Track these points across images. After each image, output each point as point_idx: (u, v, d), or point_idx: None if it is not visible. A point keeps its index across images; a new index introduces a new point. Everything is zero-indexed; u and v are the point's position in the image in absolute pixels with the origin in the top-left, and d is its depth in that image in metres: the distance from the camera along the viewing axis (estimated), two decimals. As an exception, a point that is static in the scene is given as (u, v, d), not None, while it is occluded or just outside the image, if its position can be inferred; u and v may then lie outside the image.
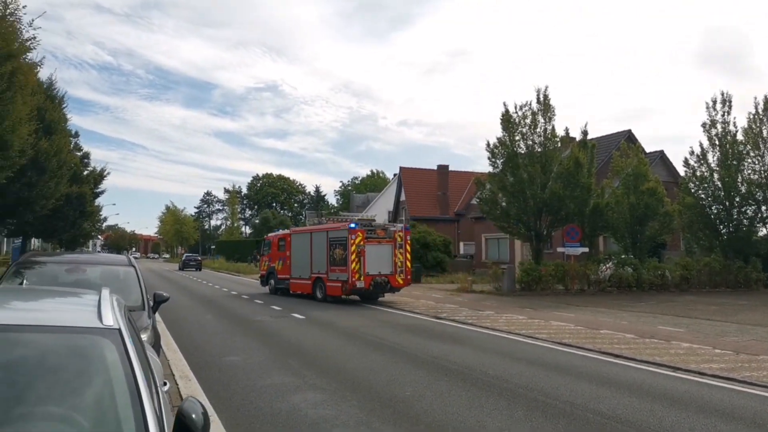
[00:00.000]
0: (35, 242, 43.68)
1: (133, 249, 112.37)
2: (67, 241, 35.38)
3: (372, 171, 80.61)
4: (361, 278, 12.72)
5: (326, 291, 13.30)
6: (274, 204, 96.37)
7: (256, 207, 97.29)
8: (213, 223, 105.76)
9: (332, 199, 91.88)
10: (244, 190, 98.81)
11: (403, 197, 33.92)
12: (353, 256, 12.64)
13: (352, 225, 12.90)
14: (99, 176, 32.97)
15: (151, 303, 5.45)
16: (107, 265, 5.67)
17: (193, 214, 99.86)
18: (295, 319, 10.78)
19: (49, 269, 5.41)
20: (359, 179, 77.87)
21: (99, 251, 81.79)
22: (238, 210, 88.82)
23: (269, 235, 16.86)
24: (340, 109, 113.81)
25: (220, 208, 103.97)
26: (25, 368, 1.94)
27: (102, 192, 34.28)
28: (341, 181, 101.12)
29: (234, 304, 13.85)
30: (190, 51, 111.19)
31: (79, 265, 5.43)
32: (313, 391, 5.17)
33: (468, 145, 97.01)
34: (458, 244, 29.97)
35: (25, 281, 4.06)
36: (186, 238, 71.37)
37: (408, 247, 13.18)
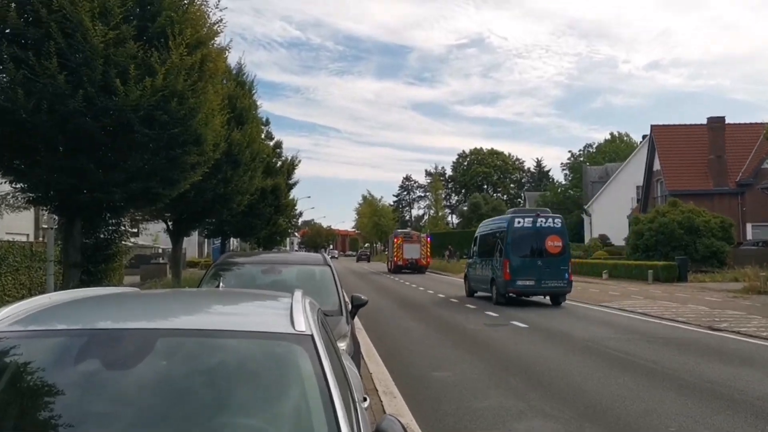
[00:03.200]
0: (233, 242, 55.23)
1: (330, 246, 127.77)
2: (264, 239, 42.39)
3: (611, 134, 72.26)
4: (401, 261, 39.34)
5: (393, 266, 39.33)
6: (485, 186, 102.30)
7: (463, 191, 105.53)
8: (414, 212, 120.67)
9: (558, 175, 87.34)
10: (449, 172, 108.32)
11: (656, 166, 33.63)
12: (395, 249, 38.09)
13: (395, 234, 34.15)
14: (291, 166, 39.36)
15: (349, 307, 6.19)
16: (302, 264, 6.82)
17: (392, 203, 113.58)
18: (515, 327, 12.01)
19: (246, 270, 6.63)
20: (594, 146, 73.59)
21: (296, 249, 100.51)
22: (443, 196, 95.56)
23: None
24: (564, 58, 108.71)
25: (422, 194, 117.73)
26: (217, 375, 2.29)
27: (295, 183, 40.22)
28: (569, 152, 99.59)
29: (440, 308, 16.48)
30: (380, 11, 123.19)
31: (274, 266, 6.56)
32: (542, 419, 5.37)
33: (753, 86, 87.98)
34: (743, 226, 29.12)
35: (221, 283, 4.91)
36: (385, 231, 79.30)
37: (428, 246, 40.79)
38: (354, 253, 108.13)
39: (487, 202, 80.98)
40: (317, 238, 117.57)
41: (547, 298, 18.30)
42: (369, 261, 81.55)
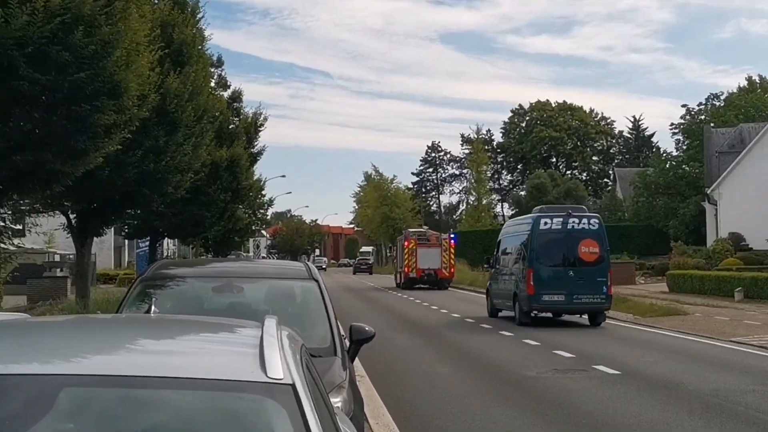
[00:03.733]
0: (169, 245, 55.14)
1: (315, 252, 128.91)
2: (216, 240, 43.33)
3: (749, 79, 69.62)
4: (414, 270, 45.43)
5: (401, 279, 46.35)
6: (554, 159, 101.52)
7: (520, 167, 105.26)
8: (445, 199, 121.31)
9: (666, 142, 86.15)
10: (497, 137, 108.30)
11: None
12: (406, 255, 45.92)
13: (405, 234, 45.65)
14: (255, 128, 39.88)
15: (347, 343, 6.42)
16: (275, 279, 7.01)
17: (410, 186, 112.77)
18: (600, 375, 12.23)
19: (189, 288, 6.82)
20: (722, 98, 71.99)
21: (264, 256, 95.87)
22: (488, 174, 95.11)
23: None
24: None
25: (456, 172, 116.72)
26: None
27: (261, 153, 41.49)
28: (684, 107, 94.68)
29: (479, 341, 17.64)
30: None
31: (232, 281, 6.71)
32: None
33: None
34: None
35: (153, 307, 5.06)
36: (399, 227, 79.71)
37: (452, 251, 46.49)
38: (351, 262, 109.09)
39: (557, 183, 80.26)
40: (296, 239, 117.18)
41: (584, 317, 21.02)
42: (371, 272, 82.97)
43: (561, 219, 21.99)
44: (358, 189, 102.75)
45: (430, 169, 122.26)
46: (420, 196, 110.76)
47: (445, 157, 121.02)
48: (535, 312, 21.63)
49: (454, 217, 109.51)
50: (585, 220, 22.09)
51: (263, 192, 48.20)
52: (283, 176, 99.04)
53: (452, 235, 50.35)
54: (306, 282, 6.70)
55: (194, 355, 2.84)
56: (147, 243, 35.06)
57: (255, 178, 41.65)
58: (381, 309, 28.57)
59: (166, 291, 6.66)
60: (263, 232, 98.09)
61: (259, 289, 6.85)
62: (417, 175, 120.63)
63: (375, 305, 30.96)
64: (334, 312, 6.35)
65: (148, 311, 5.17)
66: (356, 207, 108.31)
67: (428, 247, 46.58)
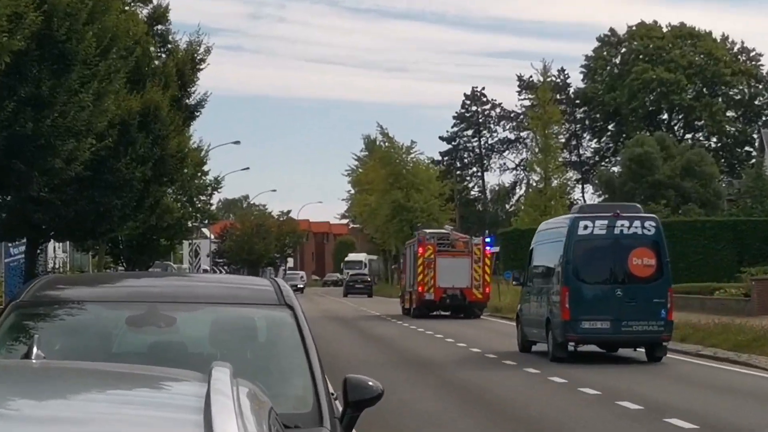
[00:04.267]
0: (57, 251, 54.77)
1: (289, 262, 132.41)
2: (132, 245, 44.87)
3: None
4: (430, 290, 48.73)
5: (411, 304, 51.09)
6: (665, 113, 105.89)
7: (611, 127, 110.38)
8: (491, 179, 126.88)
9: None
10: (576, 81, 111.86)
11: None
12: (420, 269, 48.97)
13: (420, 239, 50.85)
14: (192, 65, 38.92)
15: (339, 406, 6.43)
16: (226, 305, 7.13)
17: (438, 159, 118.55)
18: None
19: (91, 319, 6.93)
20: None
21: (206, 270, 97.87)
22: (560, 139, 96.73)
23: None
24: None
25: (510, 136, 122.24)
26: None
27: (200, 105, 40.87)
28: None
29: (540, 398, 18.88)
30: None
31: (157, 307, 6.78)
32: None
33: None
34: None
35: (35, 350, 4.96)
36: (417, 223, 79.24)
37: (488, 261, 50.28)
38: (343, 278, 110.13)
39: (671, 152, 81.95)
40: (257, 243, 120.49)
41: (639, 350, 24.52)
42: (371, 294, 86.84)
43: (606, 222, 24.30)
44: (355, 163, 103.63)
45: (469, 132, 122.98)
46: (453, 175, 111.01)
47: (492, 113, 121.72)
48: (572, 344, 24.33)
49: (507, 207, 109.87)
50: (638, 223, 24.31)
51: (205, 167, 48.45)
52: (237, 142, 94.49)
53: (488, 240, 52.86)
54: (274, 310, 6.76)
55: (103, 426, 2.87)
56: (22, 248, 35.09)
57: (192, 144, 42.14)
58: (388, 350, 29.29)
59: (53, 324, 6.71)
60: (205, 230, 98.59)
61: (201, 322, 6.97)
62: (448, 140, 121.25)
63: (379, 345, 31.69)
64: (318, 357, 6.37)
65: (27, 356, 5.07)
66: (352, 191, 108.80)
67: (452, 256, 49.18)
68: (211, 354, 6.33)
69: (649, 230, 24.23)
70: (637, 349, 24.73)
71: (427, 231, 54.39)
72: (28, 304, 6.77)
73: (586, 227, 24.13)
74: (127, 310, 6.80)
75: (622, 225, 24.02)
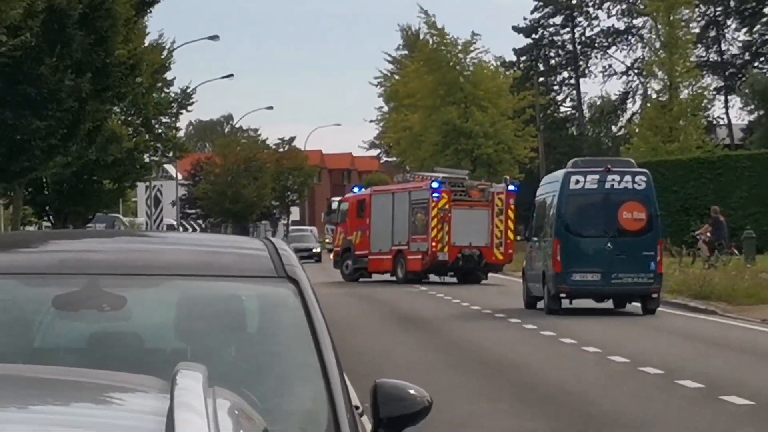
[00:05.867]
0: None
1: (293, 214, 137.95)
2: (62, 190, 46.13)
3: None
4: (445, 249, 59.44)
5: (406, 267, 60.91)
6: None
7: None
8: (591, 90, 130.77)
9: None
10: None
11: None
12: (434, 222, 59.59)
13: (435, 183, 60.38)
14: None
15: (367, 425, 6.57)
16: (197, 278, 7.16)
17: (511, 62, 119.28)
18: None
19: (3, 297, 7.01)
20: None
21: (170, 225, 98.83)
22: (693, 25, 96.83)
23: (346, 196, 66.63)
24: None
25: (618, 25, 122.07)
26: None
27: None
28: None
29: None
30: None
31: (98, 282, 6.84)
32: None
33: None
34: None
35: None
36: (473, 152, 78.74)
37: (511, 215, 61.00)
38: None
39: None
40: (246, 185, 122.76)
41: (634, 304, 34.54)
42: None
43: (597, 176, 35.03)
44: (390, 66, 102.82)
45: (557, 20, 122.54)
46: (533, 84, 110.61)
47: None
48: (563, 294, 34.59)
49: (614, 129, 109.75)
50: (629, 178, 34.54)
51: (168, 75, 48.65)
52: (214, 38, 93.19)
53: (511, 187, 61.22)
54: (270, 285, 6.83)
55: None
56: None
57: (147, 40, 43.48)
58: (435, 340, 30.60)
59: None
60: (169, 167, 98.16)
61: (163, 303, 7.04)
62: (526, 33, 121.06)
63: (421, 333, 32.94)
64: (335, 354, 6.32)
65: None
66: (385, 109, 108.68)
67: (469, 207, 59.12)
68: (178, 350, 6.41)
69: (639, 185, 34.56)
70: (631, 303, 34.55)
71: (440, 172, 63.53)
72: None
73: (577, 182, 34.65)
74: (56, 286, 6.76)
75: (613, 179, 34.44)
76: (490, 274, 59.35)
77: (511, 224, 59.20)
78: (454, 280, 58.65)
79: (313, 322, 6.38)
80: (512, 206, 59.36)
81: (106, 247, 7.94)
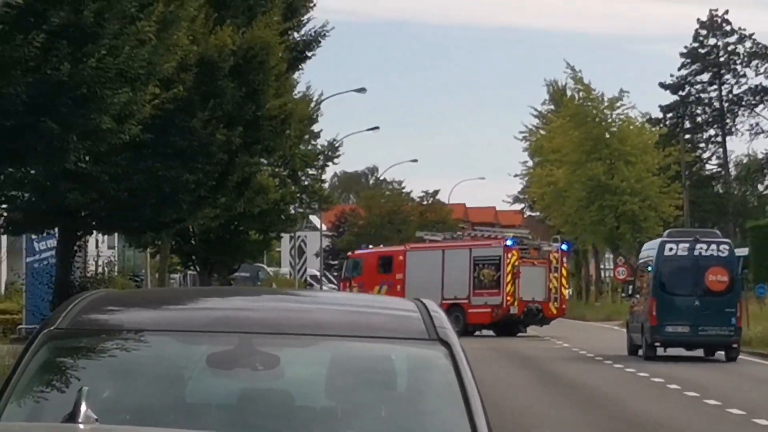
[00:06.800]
0: (99, 247, 55.58)
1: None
2: (209, 240, 47.03)
3: None
4: (515, 303, 67.12)
5: (466, 320, 67.51)
6: None
7: None
8: (735, 148, 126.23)
9: None
10: None
11: None
12: (509, 278, 66.34)
13: (509, 242, 68.37)
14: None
15: None
16: (349, 337, 7.14)
17: (657, 119, 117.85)
18: None
19: (157, 353, 6.97)
20: None
21: (313, 275, 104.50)
22: None
23: (357, 252, 78.90)
24: None
25: (765, 82, 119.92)
26: None
27: (315, 41, 43.38)
28: None
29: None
30: None
31: (252, 339, 6.87)
32: None
33: None
34: None
35: (83, 405, 5.19)
36: (617, 208, 78.99)
37: (564, 272, 70.42)
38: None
39: None
40: (390, 236, 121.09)
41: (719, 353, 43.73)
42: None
43: (687, 245, 43.47)
44: (535, 121, 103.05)
45: (704, 77, 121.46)
46: (679, 141, 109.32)
47: (739, 49, 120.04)
48: (657, 344, 43.31)
49: (760, 188, 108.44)
50: (714, 246, 43.93)
51: (315, 127, 48.81)
52: (361, 90, 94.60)
53: (564, 246, 67.03)
54: (422, 347, 6.79)
55: None
56: (51, 243, 35.71)
57: (295, 93, 43.28)
58: (594, 409, 30.07)
59: (102, 363, 6.77)
60: (314, 218, 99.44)
61: (314, 363, 7.02)
62: (672, 89, 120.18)
63: (580, 401, 32.30)
64: (487, 420, 6.28)
65: (72, 417, 5.18)
66: (529, 163, 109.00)
67: (532, 264, 64.73)
68: (328, 409, 6.44)
69: (723, 252, 44.03)
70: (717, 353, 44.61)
71: (509, 232, 69.96)
72: (67, 333, 6.70)
73: (671, 249, 43.55)
74: (209, 343, 6.78)
75: (701, 248, 43.51)
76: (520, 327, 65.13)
77: (564, 281, 65.99)
78: (491, 332, 64.70)
79: (465, 384, 6.33)
80: (566, 264, 66.84)
81: (259, 305, 7.93)
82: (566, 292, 64.94)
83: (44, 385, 6.37)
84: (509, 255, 63.09)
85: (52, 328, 6.76)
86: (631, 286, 49.10)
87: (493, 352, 49.09)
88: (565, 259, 65.81)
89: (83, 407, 4.92)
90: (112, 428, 5.47)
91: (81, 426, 4.79)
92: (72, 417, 5.08)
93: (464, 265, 65.95)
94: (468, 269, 65.71)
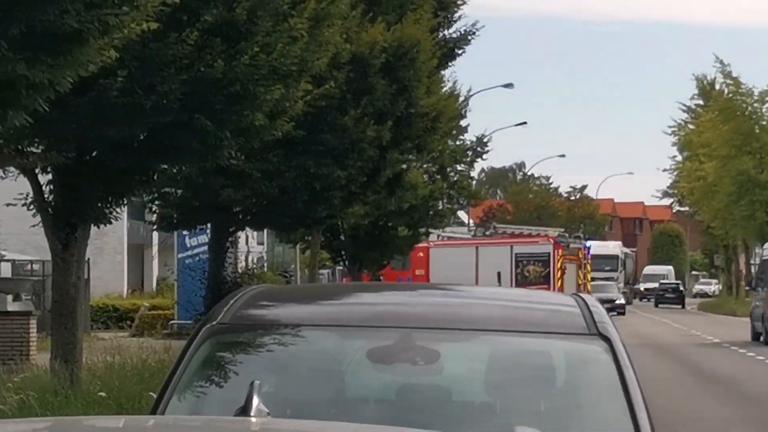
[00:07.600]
0: (248, 243, 55.67)
1: (584, 259, 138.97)
2: (358, 236, 47.23)
3: None
4: None
5: None
6: None
7: None
8: None
9: None
10: None
11: None
12: (559, 274, 69.39)
13: (560, 240, 76.32)
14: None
15: None
16: (507, 332, 7.25)
17: None
18: None
19: (317, 349, 7.23)
20: None
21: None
22: None
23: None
24: None
25: None
26: None
27: (464, 39, 43.98)
28: None
29: None
30: None
31: (411, 335, 6.98)
32: None
33: None
34: None
35: (256, 399, 5.35)
36: None
37: (588, 267, 79.00)
38: (656, 286, 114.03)
39: None
40: (534, 215, 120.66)
41: None
42: (683, 304, 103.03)
43: None
44: (684, 116, 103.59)
45: None
46: None
47: None
48: None
49: None
50: None
51: (463, 122, 48.61)
52: (509, 86, 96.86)
53: (588, 243, 71.33)
54: (582, 342, 6.85)
55: None
56: (202, 238, 36.05)
57: (443, 91, 42.57)
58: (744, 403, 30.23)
59: (264, 357, 6.99)
60: (461, 214, 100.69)
61: (473, 357, 7.10)
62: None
63: (730, 394, 32.46)
64: (649, 417, 6.23)
65: (244, 411, 5.30)
66: (678, 158, 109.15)
67: (569, 261, 67.86)
68: (486, 404, 6.56)
69: None
70: None
71: (557, 232, 73.58)
72: (229, 328, 6.87)
73: None
74: (366, 338, 6.92)
75: None
76: None
77: (588, 276, 69.18)
78: None
79: (626, 380, 6.37)
80: (589, 260, 69.75)
81: (418, 300, 8.05)
82: (590, 287, 67.92)
83: (207, 379, 6.67)
84: (558, 251, 66.01)
85: (214, 323, 6.95)
86: (754, 280, 56.35)
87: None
88: (589, 255, 69.02)
89: (255, 401, 5.10)
90: (284, 422, 5.55)
91: (253, 419, 4.91)
92: (244, 410, 5.19)
93: (504, 261, 68.05)
94: (509, 265, 67.95)
